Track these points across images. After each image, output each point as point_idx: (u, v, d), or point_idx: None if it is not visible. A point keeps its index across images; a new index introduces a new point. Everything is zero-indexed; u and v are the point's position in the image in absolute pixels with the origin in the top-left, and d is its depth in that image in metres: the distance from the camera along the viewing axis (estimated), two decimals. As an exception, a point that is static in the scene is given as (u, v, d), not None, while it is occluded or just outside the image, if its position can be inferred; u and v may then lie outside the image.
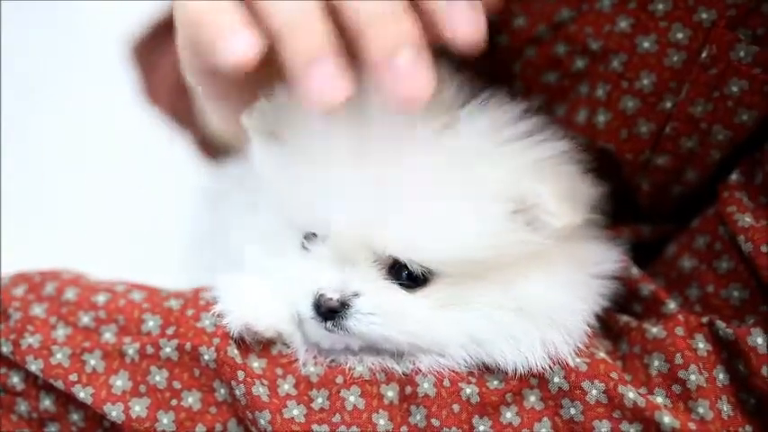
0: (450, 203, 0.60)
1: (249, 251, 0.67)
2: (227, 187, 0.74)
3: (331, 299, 0.62)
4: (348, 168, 0.60)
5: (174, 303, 0.65)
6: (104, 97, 1.19)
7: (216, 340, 0.62)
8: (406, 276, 0.62)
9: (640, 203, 0.72)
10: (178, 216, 0.84)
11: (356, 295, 0.62)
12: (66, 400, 0.64)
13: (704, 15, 0.64)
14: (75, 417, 0.64)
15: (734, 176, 0.67)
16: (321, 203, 0.62)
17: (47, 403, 0.64)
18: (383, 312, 0.62)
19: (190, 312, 0.64)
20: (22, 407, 0.64)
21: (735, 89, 0.65)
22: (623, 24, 0.67)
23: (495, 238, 0.61)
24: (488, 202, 0.61)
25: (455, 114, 0.62)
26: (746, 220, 0.65)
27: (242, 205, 0.70)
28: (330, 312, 0.62)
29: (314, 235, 0.64)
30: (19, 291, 0.66)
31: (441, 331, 0.62)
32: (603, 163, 0.68)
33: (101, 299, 0.65)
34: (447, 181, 0.60)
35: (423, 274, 0.62)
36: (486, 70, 0.73)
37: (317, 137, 0.62)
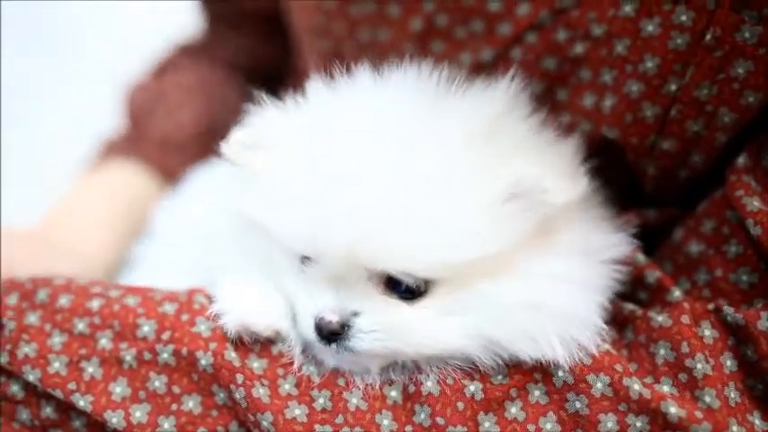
0: (436, 208, 0.58)
1: (239, 266, 0.65)
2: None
3: (330, 322, 0.60)
4: (330, 190, 0.59)
5: (169, 308, 0.64)
6: (104, 98, 1.19)
7: (212, 344, 0.62)
8: (404, 289, 0.60)
9: (646, 189, 0.71)
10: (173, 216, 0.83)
11: (355, 314, 0.60)
12: (67, 406, 0.63)
13: None
14: (77, 423, 0.63)
15: (741, 160, 0.66)
16: (308, 227, 0.60)
17: (48, 410, 0.63)
18: (384, 328, 0.60)
19: (185, 317, 0.63)
20: (24, 415, 0.64)
21: (740, 71, 0.63)
22: (628, 9, 0.65)
23: (489, 233, 0.59)
24: (478, 197, 0.59)
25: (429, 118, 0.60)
26: (755, 203, 0.63)
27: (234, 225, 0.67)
28: (332, 335, 0.60)
29: (307, 258, 0.62)
30: (12, 299, 0.65)
31: (452, 338, 0.60)
32: (608, 150, 0.67)
33: (95, 304, 0.65)
34: (429, 186, 0.58)
35: (419, 286, 0.60)
36: (482, 58, 0.72)
37: (294, 164, 0.61)
